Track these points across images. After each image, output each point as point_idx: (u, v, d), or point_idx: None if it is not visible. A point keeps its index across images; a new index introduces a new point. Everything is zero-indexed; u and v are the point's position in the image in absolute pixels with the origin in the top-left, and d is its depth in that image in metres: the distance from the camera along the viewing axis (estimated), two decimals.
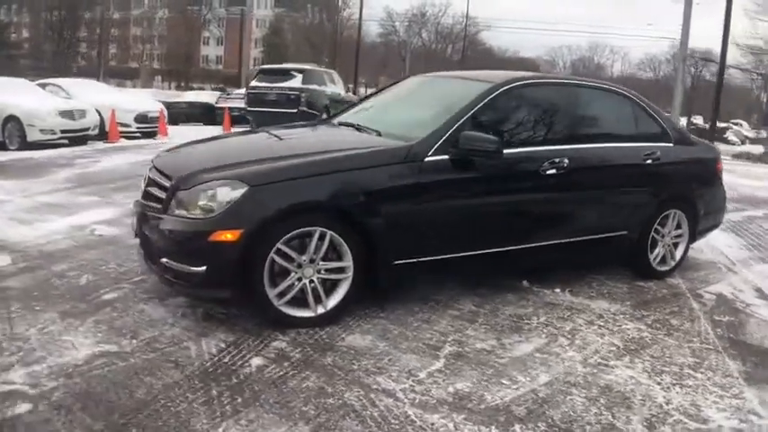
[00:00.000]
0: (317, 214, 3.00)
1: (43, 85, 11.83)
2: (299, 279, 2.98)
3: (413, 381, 2.61)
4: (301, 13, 54.54)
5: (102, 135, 11.26)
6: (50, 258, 3.98)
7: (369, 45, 43.36)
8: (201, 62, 57.62)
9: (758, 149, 20.29)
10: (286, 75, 13.93)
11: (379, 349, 2.89)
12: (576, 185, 3.73)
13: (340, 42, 44.53)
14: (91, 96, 11.89)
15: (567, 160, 3.64)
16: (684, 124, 27.20)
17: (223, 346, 2.85)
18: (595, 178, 3.85)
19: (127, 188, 6.51)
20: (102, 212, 5.37)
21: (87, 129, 10.76)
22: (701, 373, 2.92)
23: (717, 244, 5.35)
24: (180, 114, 15.00)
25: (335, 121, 4.23)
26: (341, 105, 15.08)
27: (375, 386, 2.55)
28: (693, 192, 4.38)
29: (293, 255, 2.94)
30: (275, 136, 3.88)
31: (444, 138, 3.28)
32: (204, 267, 2.85)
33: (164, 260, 2.97)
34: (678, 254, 4.40)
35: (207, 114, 18.60)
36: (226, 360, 2.72)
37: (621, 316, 3.57)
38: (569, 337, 3.22)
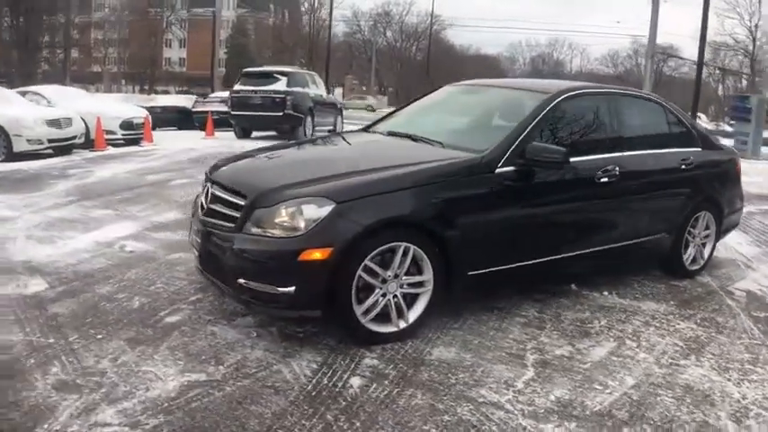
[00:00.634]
0: (402, 229, 3.02)
1: (23, 93, 11.45)
2: (384, 295, 3.01)
3: (513, 391, 2.69)
4: (264, 13, 54.05)
5: (88, 143, 10.96)
6: (90, 280, 3.85)
7: (334, 45, 43.16)
8: (164, 65, 56.47)
9: (725, 143, 20.95)
10: (270, 78, 13.80)
11: (468, 361, 2.96)
12: (626, 192, 3.89)
13: (317, 42, 44.16)
14: (72, 103, 11.56)
15: (617, 168, 3.78)
16: None
17: (315, 366, 2.82)
18: (641, 184, 4.02)
19: (135, 200, 6.42)
20: (123, 227, 5.28)
21: (74, 137, 10.46)
22: (760, 367, 3.10)
23: (727, 241, 5.56)
24: (156, 119, 14.66)
25: (380, 130, 4.17)
26: (324, 107, 15.12)
27: (481, 399, 2.62)
28: (719, 193, 4.60)
29: (379, 271, 2.96)
30: (335, 147, 3.85)
31: (512, 149, 3.37)
32: (293, 287, 2.82)
33: (241, 281, 2.92)
34: (706, 253, 4.63)
35: (184, 119, 18.28)
36: (324, 382, 2.69)
37: (671, 316, 3.74)
38: (634, 339, 3.36)
